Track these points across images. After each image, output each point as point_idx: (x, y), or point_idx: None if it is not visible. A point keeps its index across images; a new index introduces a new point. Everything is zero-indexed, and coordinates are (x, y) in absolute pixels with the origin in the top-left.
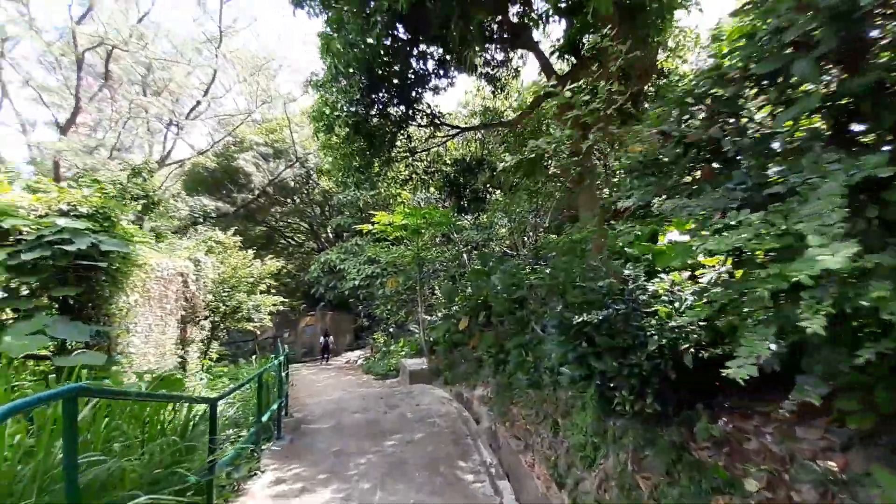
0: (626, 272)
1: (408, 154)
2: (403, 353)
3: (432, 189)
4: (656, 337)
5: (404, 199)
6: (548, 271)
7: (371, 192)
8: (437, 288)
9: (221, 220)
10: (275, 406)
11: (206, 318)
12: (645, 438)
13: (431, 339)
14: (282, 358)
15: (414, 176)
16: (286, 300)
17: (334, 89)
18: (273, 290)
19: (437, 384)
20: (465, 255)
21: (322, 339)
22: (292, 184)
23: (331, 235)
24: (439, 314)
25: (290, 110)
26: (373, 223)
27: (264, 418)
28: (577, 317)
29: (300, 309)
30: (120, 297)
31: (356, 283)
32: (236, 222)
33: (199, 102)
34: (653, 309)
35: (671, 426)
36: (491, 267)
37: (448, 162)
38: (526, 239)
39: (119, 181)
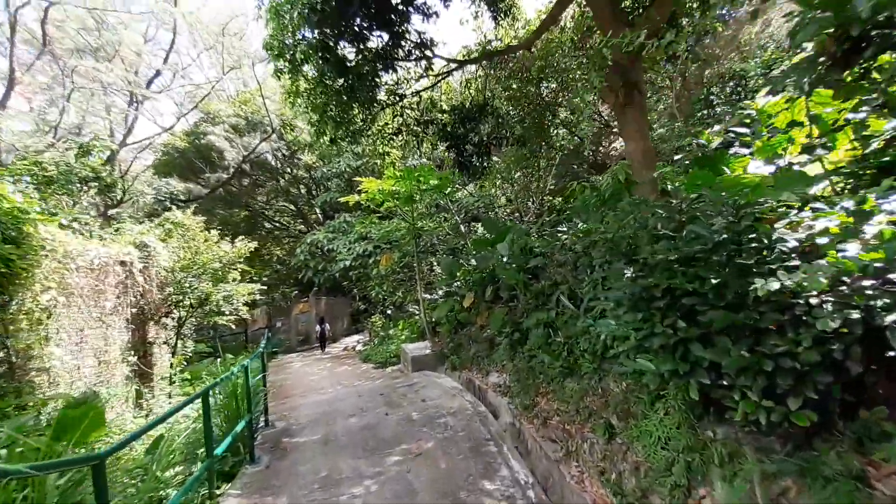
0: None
1: (396, 99)
2: (403, 336)
3: (426, 146)
4: (829, 307)
5: (394, 160)
6: (581, 226)
7: (354, 152)
8: (435, 264)
9: (197, 205)
10: (242, 424)
11: (166, 314)
12: (783, 462)
13: (433, 319)
14: (247, 362)
15: (404, 128)
16: (284, 288)
17: (293, 5)
18: (256, 277)
19: (443, 371)
20: (463, 226)
21: (318, 326)
22: (272, 160)
23: (319, 215)
24: (440, 292)
25: (261, 73)
26: (360, 192)
27: (221, 447)
28: (657, 282)
29: (292, 296)
30: (24, 295)
31: (347, 263)
32: (216, 206)
33: (158, 72)
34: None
35: (829, 442)
36: (496, 236)
37: (445, 109)
38: (530, 204)
39: (64, 162)
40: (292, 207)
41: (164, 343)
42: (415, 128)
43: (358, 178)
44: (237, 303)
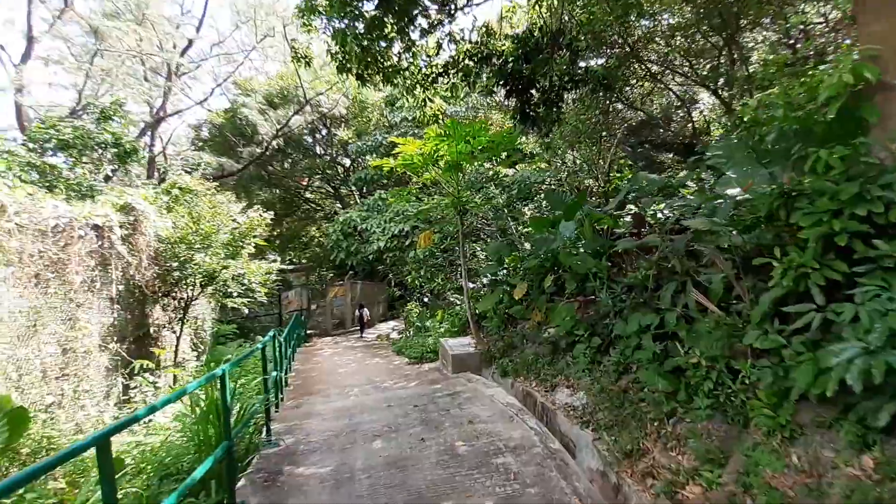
0: None
1: (440, 19)
2: (443, 329)
3: (478, 90)
4: None
5: (439, 112)
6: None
7: (388, 123)
8: (478, 249)
9: (233, 182)
10: (208, 463)
11: (166, 293)
12: None
13: (477, 311)
14: (226, 367)
15: (451, 67)
16: (321, 271)
17: None
18: (280, 255)
19: (490, 375)
20: (516, 205)
21: (357, 311)
22: (307, 136)
23: (355, 193)
24: (484, 280)
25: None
26: (395, 156)
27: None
28: None
29: (328, 279)
30: None
31: (382, 244)
32: (253, 186)
33: (191, 42)
34: None
35: None
36: (560, 213)
37: (507, 35)
38: (591, 182)
39: (82, 125)
40: (328, 188)
41: (168, 326)
42: (467, 62)
43: (395, 140)
44: (251, 283)
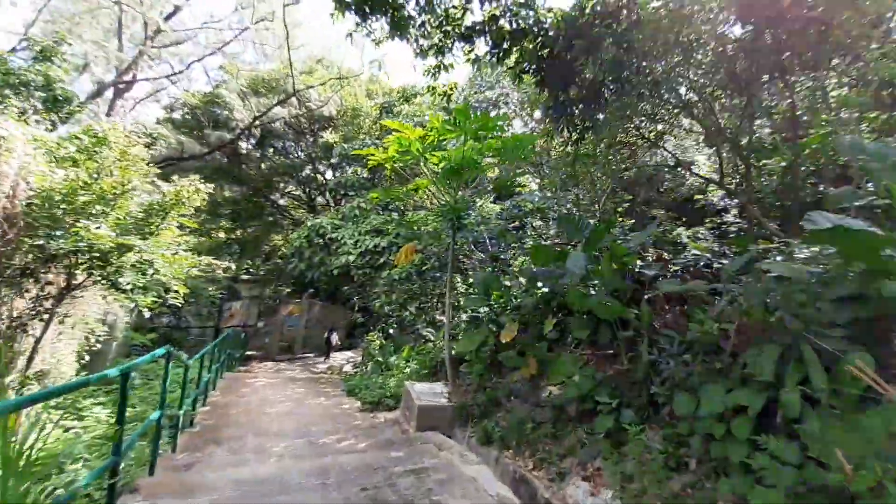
0: None
1: None
2: (408, 369)
3: (504, 68)
4: None
5: (450, 92)
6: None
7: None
8: (458, 281)
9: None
10: None
11: (24, 272)
12: None
13: (454, 351)
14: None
15: (478, 26)
16: (277, 284)
17: None
18: (241, 265)
19: (467, 441)
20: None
21: (326, 334)
22: (288, 133)
23: (329, 200)
24: (464, 316)
25: (291, 20)
26: (385, 148)
27: None
28: None
29: (283, 295)
30: None
31: (352, 259)
32: (222, 179)
33: (178, 8)
34: None
35: None
36: (580, 244)
37: (550, 9)
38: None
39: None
40: (302, 194)
41: (26, 324)
42: (502, 25)
43: (388, 123)
44: (164, 276)
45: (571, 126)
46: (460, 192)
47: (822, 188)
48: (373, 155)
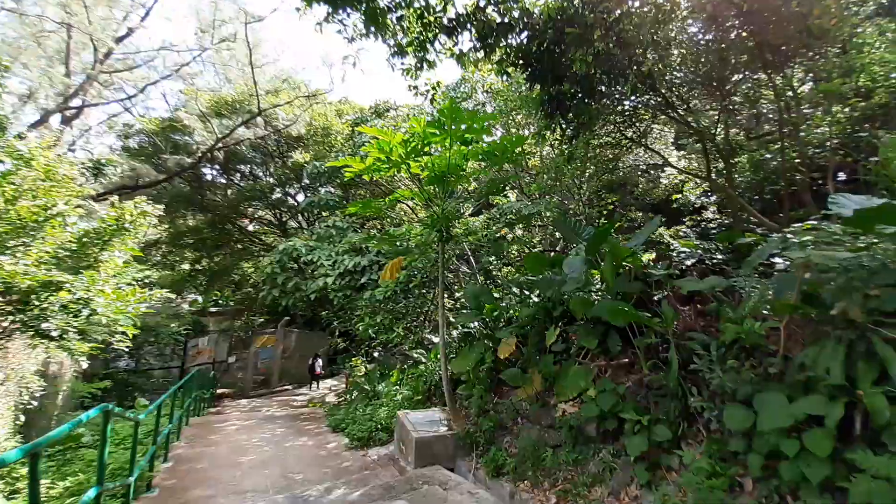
0: None
1: None
2: (399, 396)
3: (492, 63)
4: None
5: (434, 87)
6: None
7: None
8: (445, 297)
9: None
10: None
11: None
12: None
13: (450, 373)
14: None
15: (462, 18)
16: (250, 315)
17: None
18: (209, 297)
19: (473, 472)
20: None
21: (310, 360)
22: (253, 153)
23: (302, 222)
24: (455, 333)
25: (253, 38)
26: (363, 158)
27: None
28: None
29: (255, 326)
30: None
31: (329, 281)
32: (182, 207)
33: (131, 31)
34: None
35: None
36: (556, 255)
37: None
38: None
39: None
40: (272, 217)
41: None
42: (487, 20)
43: (364, 129)
44: (107, 318)
45: (566, 122)
46: (447, 201)
47: (798, 178)
48: (349, 166)
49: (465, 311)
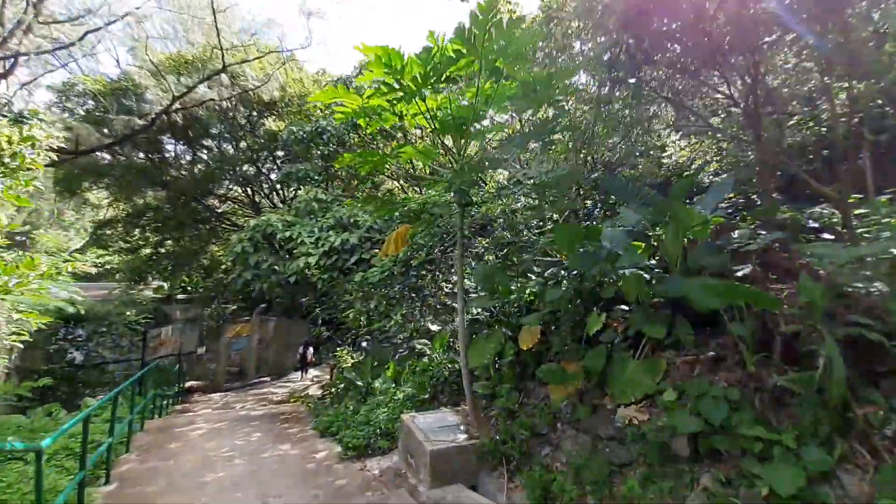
0: None
1: None
2: (401, 394)
3: None
4: None
5: None
6: None
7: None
8: (443, 280)
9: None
10: None
11: None
12: None
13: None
14: None
15: None
16: (221, 302)
17: None
18: (176, 283)
19: (508, 498)
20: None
21: (301, 348)
22: (220, 119)
23: (278, 194)
24: (457, 319)
25: None
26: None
27: None
28: None
29: (227, 313)
30: None
31: (312, 261)
32: (139, 182)
33: None
34: None
35: None
36: (592, 227)
37: None
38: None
39: None
40: (241, 194)
41: None
42: None
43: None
44: None
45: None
46: (470, 153)
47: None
48: (340, 102)
49: (474, 295)
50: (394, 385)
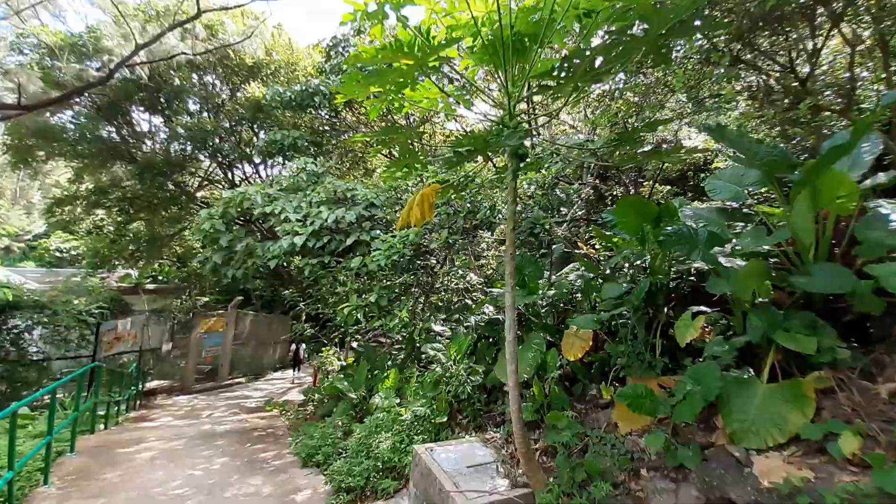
0: None
1: None
2: (409, 414)
3: None
4: None
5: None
6: None
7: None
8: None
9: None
10: None
11: None
12: None
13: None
14: None
15: None
16: (194, 293)
17: None
18: (146, 271)
19: None
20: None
21: (294, 345)
22: (194, 78)
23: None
24: (472, 321)
25: None
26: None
27: None
28: None
29: (198, 306)
30: None
31: (299, 242)
32: (103, 158)
33: None
34: None
35: None
36: (672, 203)
37: None
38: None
39: None
40: (219, 170)
41: None
42: None
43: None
44: None
45: None
46: (527, 93)
47: None
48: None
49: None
50: (397, 399)
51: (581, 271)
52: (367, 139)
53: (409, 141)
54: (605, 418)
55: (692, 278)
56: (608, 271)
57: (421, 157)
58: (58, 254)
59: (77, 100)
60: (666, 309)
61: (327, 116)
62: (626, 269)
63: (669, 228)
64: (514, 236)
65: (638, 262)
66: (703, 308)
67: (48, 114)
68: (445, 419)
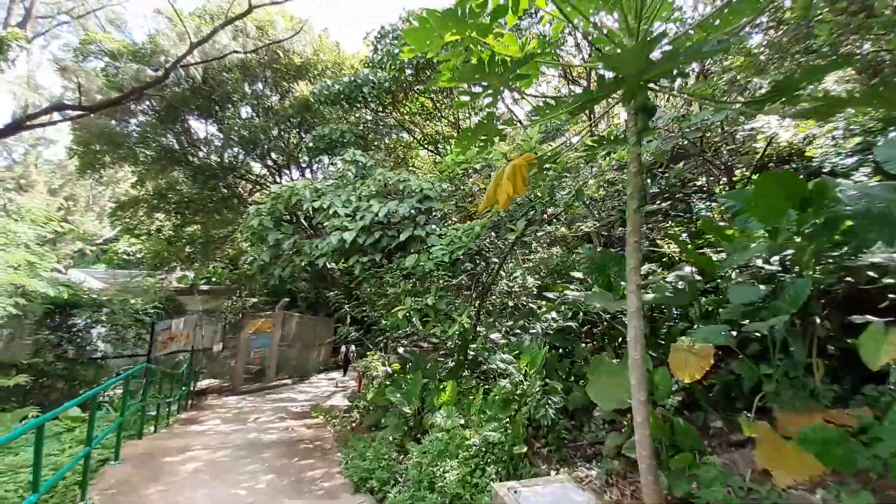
0: None
1: None
2: (478, 439)
3: None
4: None
5: None
6: None
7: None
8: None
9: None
10: None
11: None
12: None
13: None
14: None
15: None
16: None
17: None
18: (202, 272)
19: None
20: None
21: (343, 347)
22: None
23: (302, 175)
24: (538, 328)
25: None
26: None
27: None
28: None
29: (248, 307)
30: None
31: (348, 236)
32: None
33: None
34: None
35: None
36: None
37: None
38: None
39: None
40: (270, 163)
41: None
42: None
43: None
44: None
45: None
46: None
47: None
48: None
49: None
50: (461, 419)
51: (685, 272)
52: (451, 79)
53: (501, 87)
54: (745, 461)
55: (848, 279)
56: (731, 272)
57: (499, 128)
58: (125, 256)
59: (139, 106)
60: (818, 319)
61: (375, 111)
62: (753, 269)
63: (850, 208)
64: (639, 219)
65: (775, 259)
66: (871, 318)
67: (113, 121)
68: (524, 449)
